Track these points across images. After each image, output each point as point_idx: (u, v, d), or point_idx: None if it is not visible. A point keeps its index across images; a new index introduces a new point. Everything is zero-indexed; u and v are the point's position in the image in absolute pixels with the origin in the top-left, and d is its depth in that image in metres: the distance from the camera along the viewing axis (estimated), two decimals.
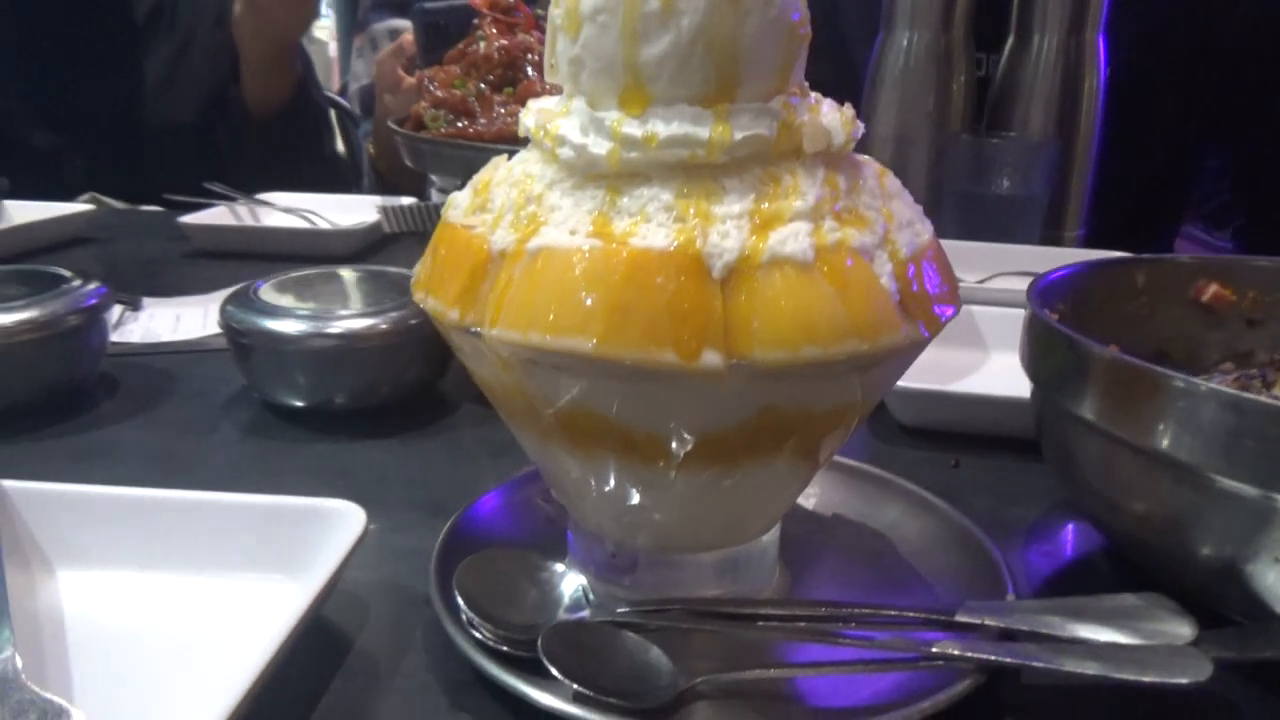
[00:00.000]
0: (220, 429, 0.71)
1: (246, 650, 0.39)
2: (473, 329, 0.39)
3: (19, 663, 0.40)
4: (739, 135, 0.38)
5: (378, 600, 0.50)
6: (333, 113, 2.11)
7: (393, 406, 0.72)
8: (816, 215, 0.38)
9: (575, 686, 0.39)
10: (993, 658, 0.40)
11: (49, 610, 0.47)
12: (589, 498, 0.45)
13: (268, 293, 0.73)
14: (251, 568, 0.48)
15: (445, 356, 0.73)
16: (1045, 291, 0.54)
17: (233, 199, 1.29)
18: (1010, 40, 1.19)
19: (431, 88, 0.84)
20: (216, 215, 1.26)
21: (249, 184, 1.33)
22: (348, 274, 0.80)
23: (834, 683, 0.42)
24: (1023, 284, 0.54)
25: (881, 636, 0.43)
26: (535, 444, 0.44)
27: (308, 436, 0.69)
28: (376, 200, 1.28)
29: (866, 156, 0.44)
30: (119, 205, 1.50)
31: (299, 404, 0.71)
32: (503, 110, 0.80)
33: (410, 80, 1.30)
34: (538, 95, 0.69)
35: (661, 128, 0.38)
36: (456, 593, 0.43)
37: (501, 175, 0.43)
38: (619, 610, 0.44)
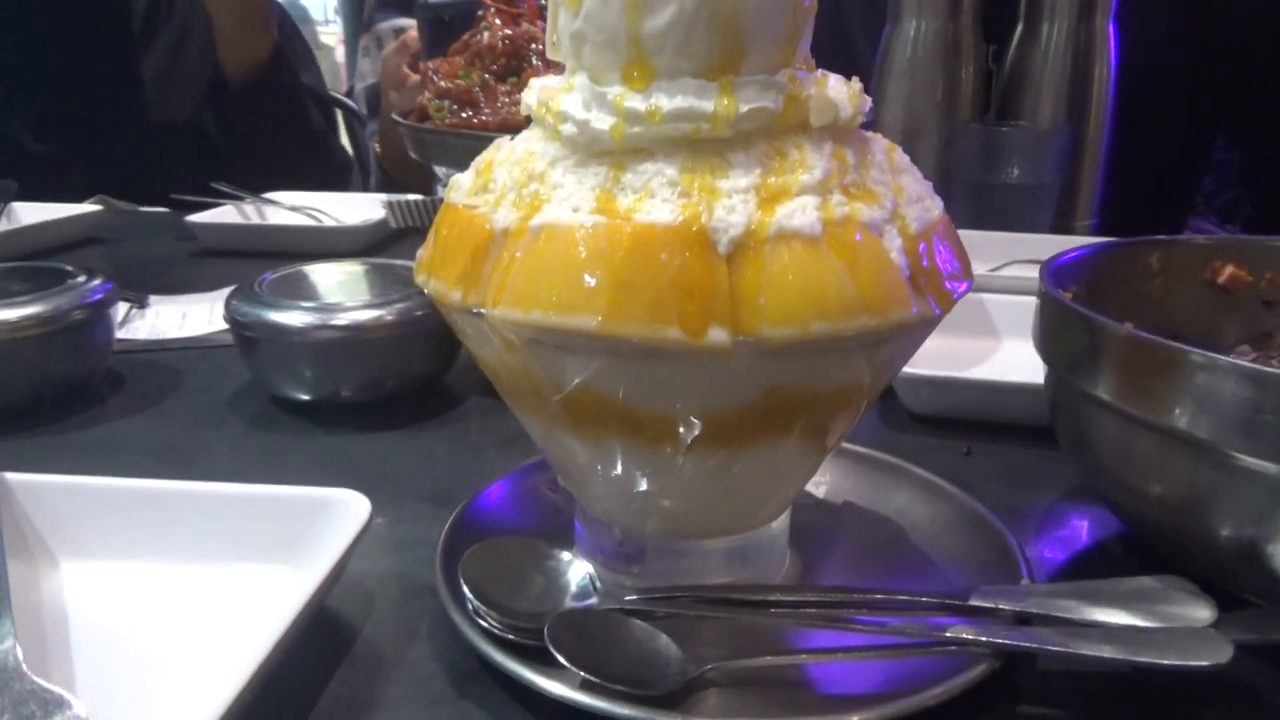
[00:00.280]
0: (226, 422, 0.70)
1: (251, 640, 0.38)
2: (475, 310, 0.38)
3: (20, 653, 0.40)
4: (744, 108, 0.37)
5: (383, 590, 0.49)
6: (339, 113, 2.12)
7: (399, 399, 0.71)
8: (824, 189, 0.37)
9: (583, 674, 0.38)
10: (1008, 642, 0.39)
11: (51, 601, 0.46)
12: (596, 484, 0.44)
13: (273, 286, 0.73)
14: (256, 558, 0.48)
15: (451, 348, 0.73)
16: (1059, 272, 0.53)
17: (239, 198, 1.29)
18: (1019, 28, 1.18)
19: (436, 79, 0.84)
20: (223, 214, 1.26)
21: (240, 169, 1.33)
22: (353, 267, 0.80)
23: (846, 669, 0.41)
24: (1034, 272, 0.53)
25: (894, 622, 0.42)
26: (541, 430, 0.44)
27: (314, 429, 0.69)
28: (382, 197, 1.27)
29: (874, 133, 0.43)
30: (126, 206, 1.50)
31: (305, 397, 0.70)
32: (507, 100, 0.79)
33: (415, 77, 1.30)
34: None
35: (665, 101, 0.37)
36: (462, 581, 0.43)
37: (504, 155, 0.43)
38: (626, 598, 0.43)
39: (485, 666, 0.42)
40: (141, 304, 0.96)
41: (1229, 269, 0.58)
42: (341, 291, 0.73)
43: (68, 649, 0.43)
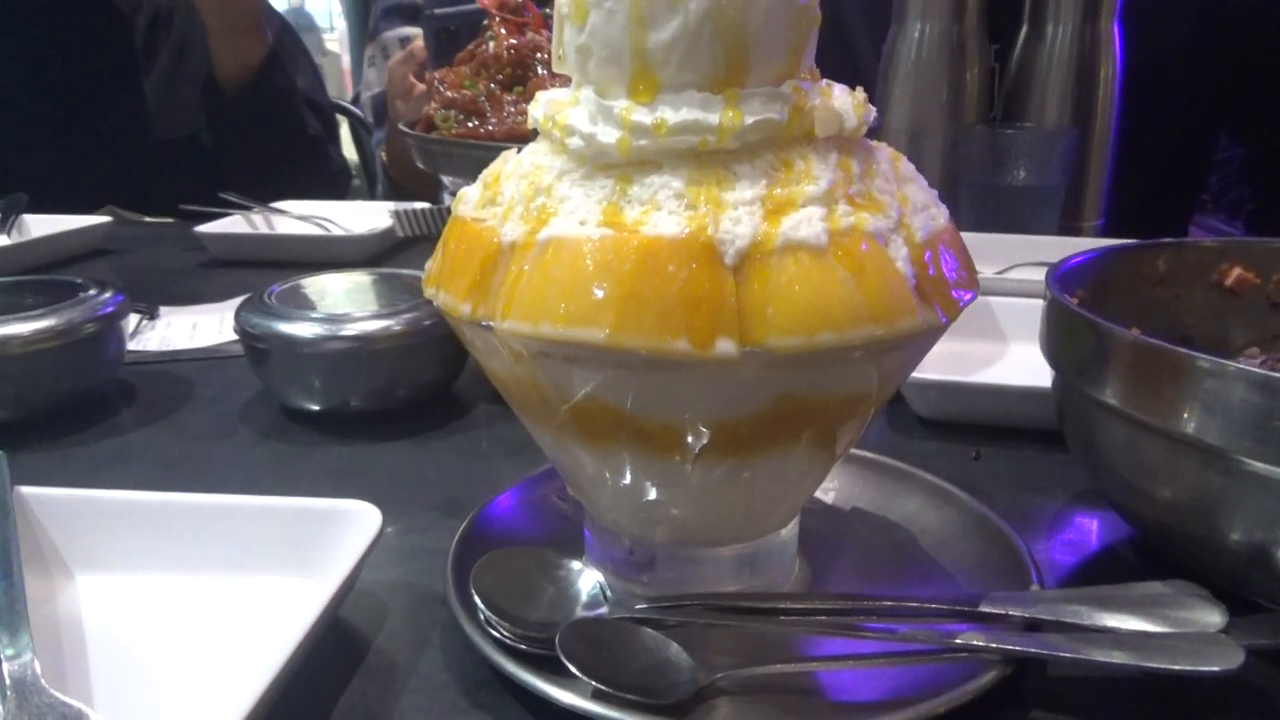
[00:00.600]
0: (237, 433, 0.71)
1: (265, 651, 0.39)
2: (484, 322, 0.39)
3: (38, 667, 0.40)
4: (750, 120, 0.38)
5: (395, 600, 0.49)
6: (345, 120, 2.13)
7: (408, 408, 0.72)
8: (830, 200, 0.37)
9: (594, 684, 0.38)
10: (1018, 648, 0.39)
11: (68, 615, 0.47)
12: (605, 493, 0.45)
13: (282, 297, 0.73)
14: (269, 569, 0.48)
15: (460, 357, 0.73)
16: (1065, 277, 0.53)
17: (247, 208, 1.30)
18: (1024, 29, 1.18)
19: (442, 89, 0.84)
20: (231, 224, 1.27)
21: (235, 174, 1.34)
22: (361, 277, 0.80)
23: (856, 676, 0.41)
24: (1041, 275, 0.54)
25: (904, 629, 0.42)
26: (550, 440, 0.44)
27: (324, 439, 0.69)
28: (389, 206, 1.28)
29: (879, 142, 0.44)
30: (136, 217, 1.51)
31: (315, 407, 0.71)
32: (513, 109, 0.79)
33: (421, 86, 1.31)
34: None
35: (671, 114, 0.38)
36: (474, 591, 0.43)
37: (511, 168, 0.43)
38: (637, 607, 0.43)
39: (497, 676, 0.42)
40: (152, 315, 0.96)
41: (1237, 271, 0.58)
42: (350, 301, 0.74)
43: (85, 662, 0.43)
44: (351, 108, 2.12)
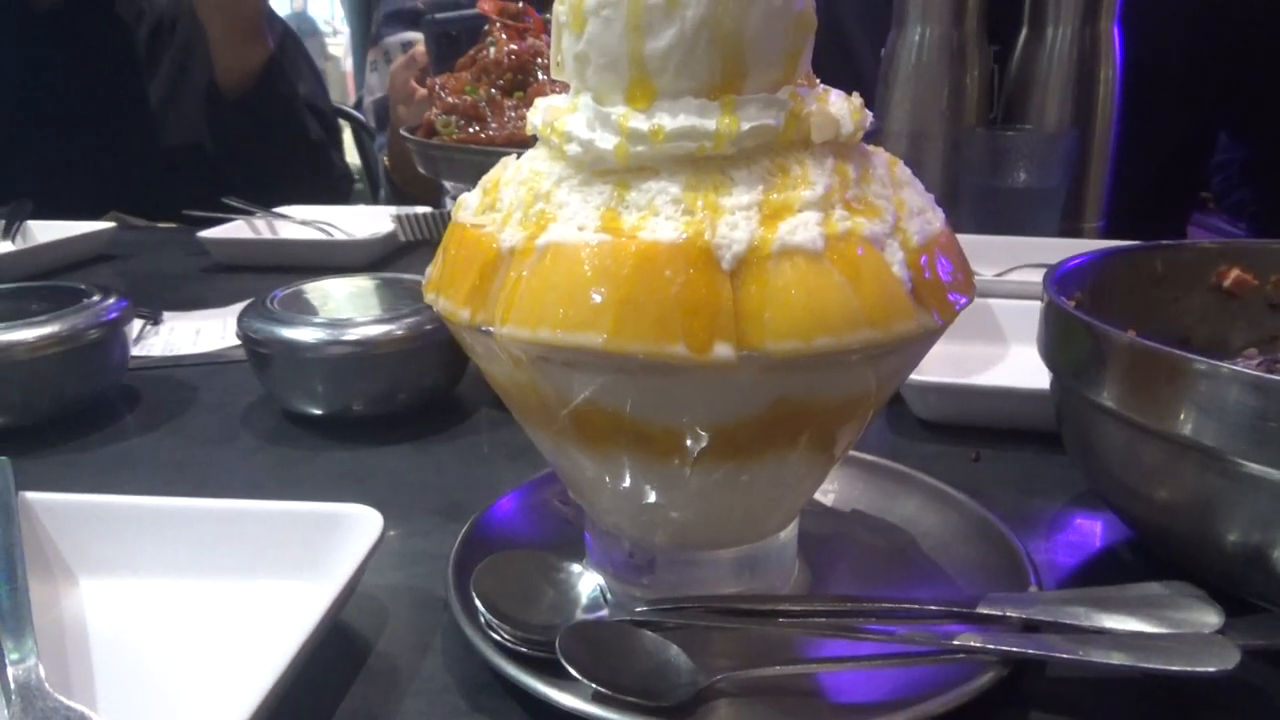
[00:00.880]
0: (240, 438, 0.71)
1: (267, 655, 0.39)
2: (484, 328, 0.39)
3: (42, 671, 0.40)
4: (746, 126, 0.38)
5: (397, 603, 0.50)
6: (348, 125, 2.14)
7: (410, 412, 0.72)
8: (826, 204, 0.38)
9: (594, 686, 0.38)
10: (1015, 649, 0.39)
11: (71, 619, 0.47)
12: (605, 497, 0.45)
13: (284, 302, 0.74)
14: (271, 573, 0.48)
15: (461, 362, 0.73)
16: (1063, 280, 0.53)
17: (250, 213, 1.30)
18: (1024, 31, 1.19)
19: (443, 94, 0.84)
20: (235, 229, 1.27)
21: (237, 180, 1.35)
22: (363, 282, 0.81)
23: (855, 678, 0.41)
24: (1041, 276, 0.54)
25: (903, 630, 0.42)
26: (550, 444, 0.44)
27: (326, 444, 0.69)
28: (391, 210, 1.28)
29: (876, 146, 0.44)
30: (139, 222, 1.52)
31: (317, 411, 0.71)
32: (514, 114, 0.80)
33: (423, 91, 1.31)
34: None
35: (668, 121, 0.38)
36: (474, 594, 0.43)
37: (510, 174, 0.43)
38: (637, 609, 0.44)
39: (498, 679, 0.42)
40: (155, 320, 0.97)
41: (1235, 273, 0.58)
42: (352, 306, 0.74)
43: (89, 666, 0.44)
44: (354, 112, 2.12)
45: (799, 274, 0.36)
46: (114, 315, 0.74)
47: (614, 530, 0.47)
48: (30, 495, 0.51)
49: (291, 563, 0.48)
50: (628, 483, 0.43)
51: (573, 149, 0.40)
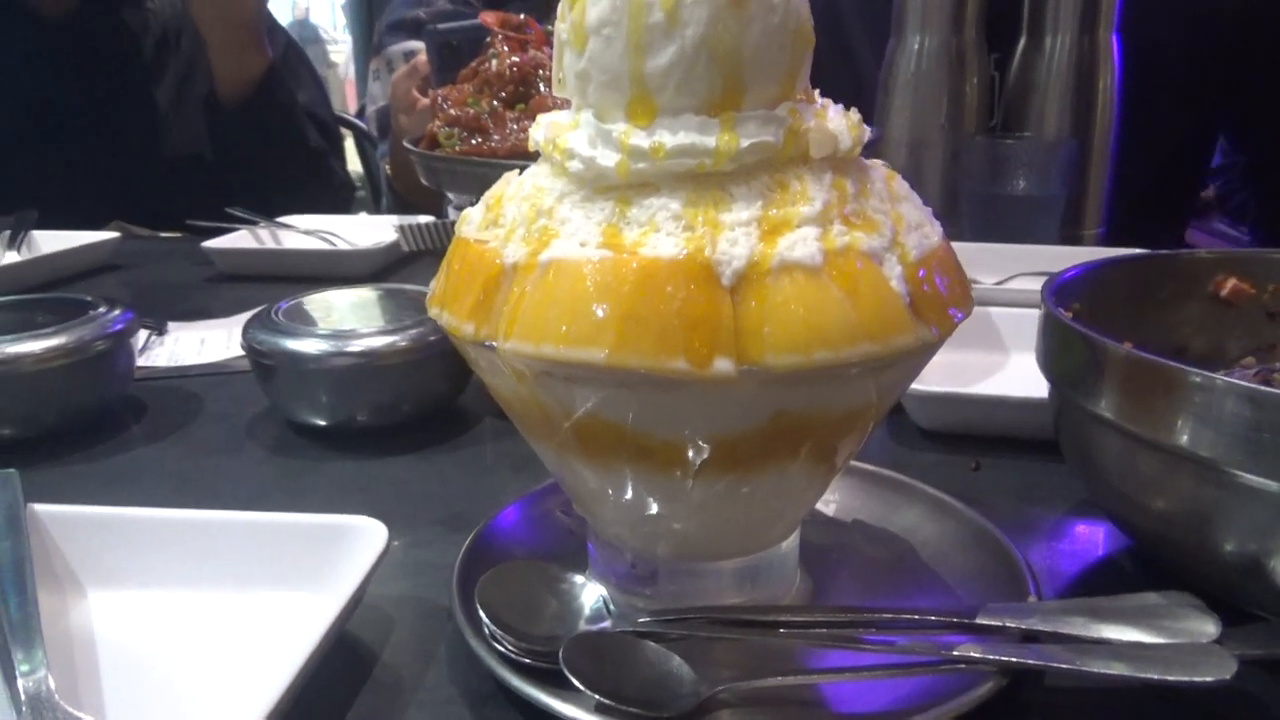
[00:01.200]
0: (245, 449, 0.72)
1: (274, 666, 0.40)
2: (487, 343, 0.39)
3: (52, 683, 0.41)
4: (745, 143, 0.38)
5: (402, 614, 0.50)
6: (350, 134, 2.15)
7: (414, 422, 0.72)
8: (824, 220, 0.38)
9: (597, 697, 0.39)
10: (1014, 659, 0.39)
11: (80, 630, 0.47)
12: (607, 508, 0.45)
13: (288, 314, 0.74)
14: (277, 585, 0.49)
15: (465, 372, 0.74)
16: (1061, 290, 0.53)
17: (254, 223, 1.31)
18: (1023, 40, 1.19)
19: (445, 106, 0.85)
20: (239, 239, 1.28)
21: (237, 188, 1.36)
22: (367, 293, 0.81)
23: (856, 688, 0.42)
24: (1041, 284, 0.54)
25: (903, 641, 0.43)
26: (553, 456, 0.45)
27: (331, 454, 0.70)
28: (394, 220, 1.29)
29: (875, 160, 0.44)
30: (144, 232, 1.52)
31: (322, 422, 0.72)
32: (515, 126, 0.80)
33: (425, 100, 1.32)
34: (550, 111, 0.70)
35: (668, 138, 0.39)
36: (478, 605, 0.44)
37: (513, 190, 0.44)
38: (640, 620, 0.44)
39: (502, 690, 0.43)
40: (160, 331, 0.98)
41: (1232, 282, 0.59)
42: (356, 317, 0.75)
43: (97, 677, 0.44)
44: (356, 121, 2.13)
45: (798, 289, 0.36)
46: (120, 327, 0.75)
47: (616, 541, 0.47)
48: (39, 507, 0.51)
49: (297, 574, 0.48)
50: (630, 494, 0.43)
51: (575, 166, 0.40)
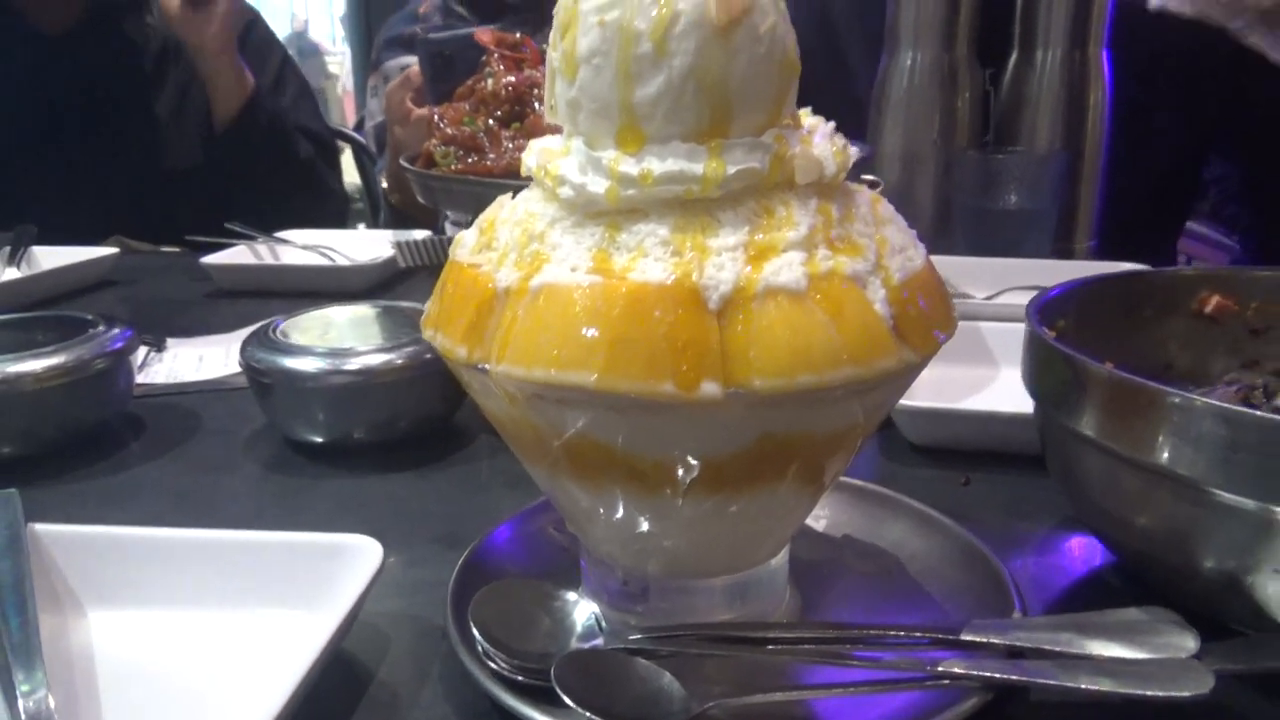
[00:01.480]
0: (243, 466, 0.72)
1: (271, 684, 0.40)
2: (480, 365, 0.40)
3: (52, 703, 0.42)
4: (732, 170, 0.39)
5: (398, 632, 0.51)
6: (349, 147, 2.16)
7: (411, 439, 0.73)
8: (809, 245, 0.39)
9: (588, 714, 0.39)
10: (999, 676, 0.40)
11: (79, 650, 0.48)
12: (599, 526, 0.46)
13: (286, 331, 0.75)
14: (275, 603, 0.49)
15: (461, 389, 0.74)
16: (1046, 308, 0.54)
17: (253, 238, 1.32)
18: (1014, 55, 1.20)
19: (442, 125, 0.86)
20: (237, 255, 1.29)
21: (226, 204, 1.37)
22: (364, 310, 0.82)
23: (843, 704, 0.42)
24: (1031, 298, 0.55)
25: (889, 657, 0.43)
26: (544, 476, 0.46)
27: (328, 471, 0.71)
28: (391, 235, 1.30)
29: (860, 185, 0.45)
30: (144, 247, 1.53)
31: (319, 439, 0.72)
32: (511, 145, 0.81)
33: (419, 112, 1.33)
34: (545, 130, 0.71)
35: (657, 165, 0.39)
36: (472, 623, 0.44)
37: (506, 213, 0.45)
38: (631, 637, 0.45)
39: (496, 707, 0.43)
40: (159, 347, 0.98)
41: (1216, 299, 0.60)
42: (354, 335, 0.75)
43: (96, 696, 0.45)
44: (354, 134, 2.14)
45: (783, 313, 0.37)
46: (119, 345, 0.76)
47: (608, 559, 0.48)
48: (39, 527, 0.52)
49: (294, 593, 0.49)
50: (620, 513, 0.44)
51: (565, 192, 0.41)
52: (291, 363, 0.70)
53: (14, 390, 0.70)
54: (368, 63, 1.93)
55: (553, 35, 0.43)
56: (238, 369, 0.84)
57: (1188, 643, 0.40)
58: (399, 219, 1.66)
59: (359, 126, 2.16)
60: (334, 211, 1.76)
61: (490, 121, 0.84)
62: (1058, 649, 0.41)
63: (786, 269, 0.38)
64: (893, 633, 0.45)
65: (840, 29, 1.43)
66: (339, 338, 0.75)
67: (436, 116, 0.87)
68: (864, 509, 0.57)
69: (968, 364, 0.80)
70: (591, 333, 0.37)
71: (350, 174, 2.25)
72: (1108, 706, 0.42)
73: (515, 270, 0.41)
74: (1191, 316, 0.60)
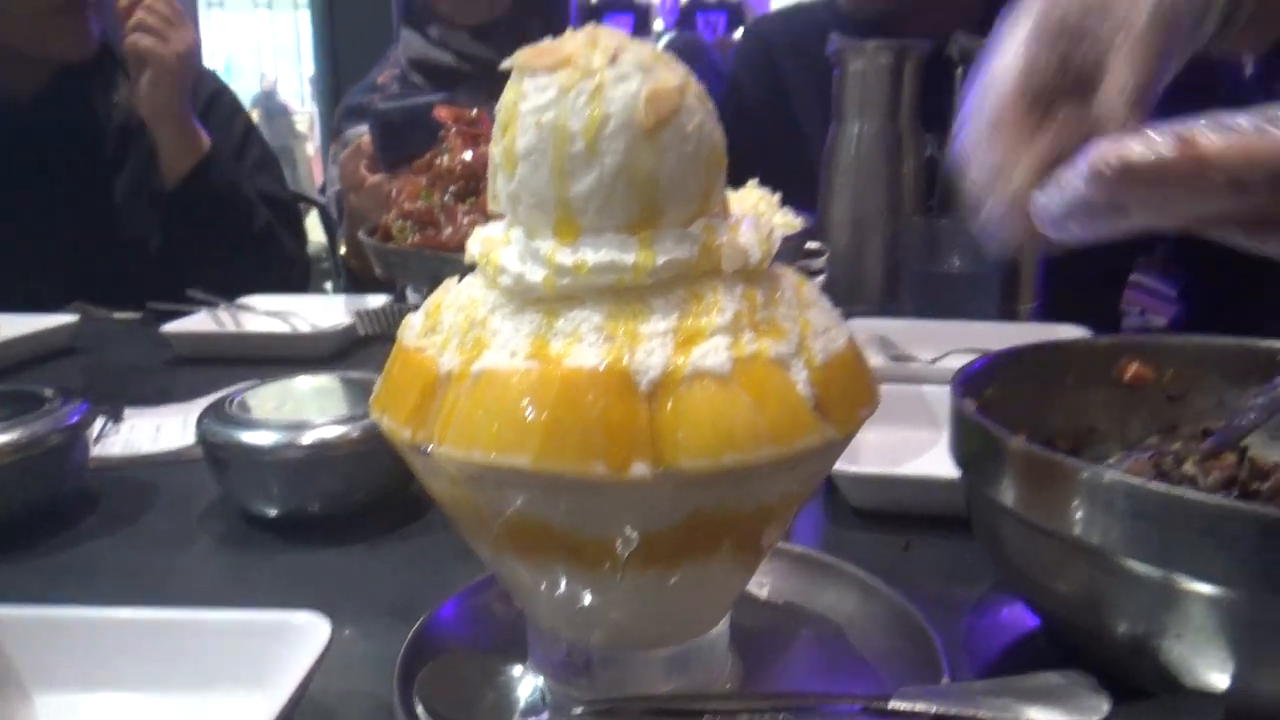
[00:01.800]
0: (197, 541, 0.73)
1: None
2: (423, 447, 0.42)
3: None
4: (662, 259, 0.41)
5: (348, 709, 0.51)
6: (315, 210, 2.18)
7: (366, 511, 0.74)
8: (735, 329, 0.41)
9: None
10: None
11: None
12: (541, 601, 0.47)
13: (242, 405, 0.76)
14: (222, 684, 0.50)
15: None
16: (971, 379, 0.57)
17: (214, 304, 1.33)
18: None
19: (399, 200, 0.89)
20: (198, 322, 1.29)
21: (194, 271, 1.38)
22: (323, 381, 0.83)
23: None
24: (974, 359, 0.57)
25: None
26: (489, 553, 0.47)
27: (282, 545, 0.71)
28: (352, 303, 1.31)
29: (786, 268, 0.48)
30: (103, 313, 1.53)
31: (274, 512, 0.73)
32: (465, 220, 0.84)
33: (373, 179, 1.35)
34: None
35: (591, 255, 0.42)
36: (417, 700, 0.45)
37: (451, 298, 0.47)
38: (574, 711, 0.46)
39: None
40: (117, 417, 0.98)
41: (1134, 366, 0.63)
42: (311, 407, 0.76)
43: None
44: (317, 198, 2.17)
45: (708, 395, 0.39)
46: (75, 419, 0.76)
47: (552, 631, 0.49)
48: None
49: (242, 673, 0.49)
50: (562, 588, 0.45)
51: (505, 280, 0.43)
52: (246, 436, 0.71)
53: None
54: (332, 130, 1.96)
55: (494, 131, 0.46)
56: (194, 440, 0.84)
57: (1102, 706, 0.42)
58: (357, 284, 1.68)
59: (324, 190, 2.18)
60: (296, 275, 1.77)
61: (447, 197, 0.87)
62: (980, 715, 0.43)
63: (713, 353, 0.40)
64: (827, 700, 0.46)
65: (792, 95, 1.49)
66: (295, 410, 0.76)
67: (395, 191, 0.90)
68: (805, 576, 0.58)
69: (911, 426, 0.82)
70: (527, 417, 0.39)
71: (317, 233, 2.27)
72: None
73: (457, 355, 0.43)
74: (1112, 384, 0.63)
